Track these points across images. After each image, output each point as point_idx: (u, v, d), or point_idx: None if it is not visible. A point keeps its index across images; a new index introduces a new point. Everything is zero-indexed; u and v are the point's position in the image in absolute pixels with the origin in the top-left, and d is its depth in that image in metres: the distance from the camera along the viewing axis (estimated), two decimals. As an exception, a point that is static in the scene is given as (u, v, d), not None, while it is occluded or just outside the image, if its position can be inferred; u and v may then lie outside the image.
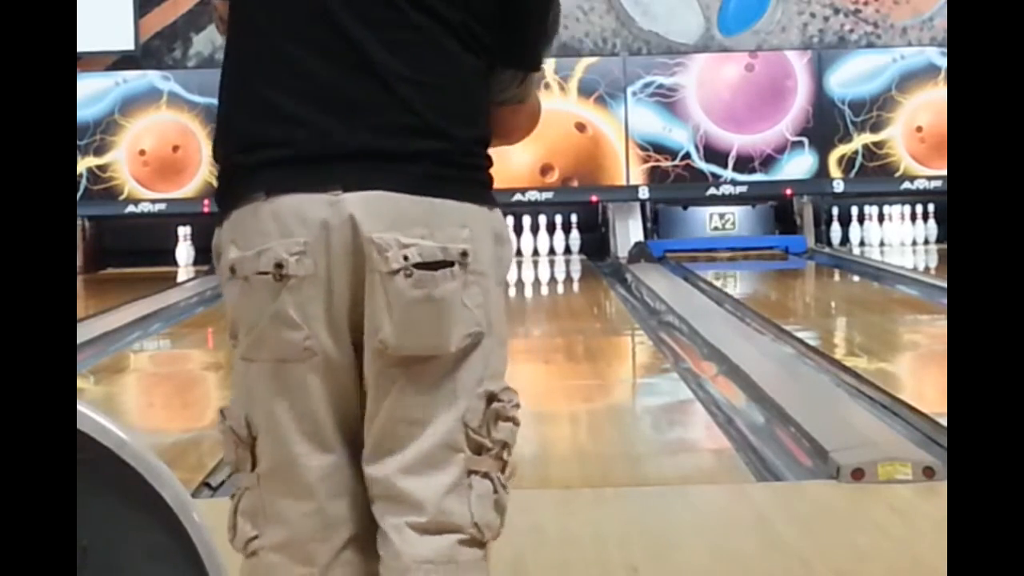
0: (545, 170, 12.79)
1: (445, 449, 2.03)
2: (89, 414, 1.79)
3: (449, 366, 2.02)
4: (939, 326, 7.79)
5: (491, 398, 2.05)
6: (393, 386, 2.02)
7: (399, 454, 2.03)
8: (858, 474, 4.14)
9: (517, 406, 2.08)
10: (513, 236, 12.63)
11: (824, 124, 12.92)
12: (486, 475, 2.05)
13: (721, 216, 13.16)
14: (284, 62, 2.05)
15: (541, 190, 12.75)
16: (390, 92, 2.02)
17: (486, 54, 2.09)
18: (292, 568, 2.07)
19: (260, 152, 2.04)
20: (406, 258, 1.98)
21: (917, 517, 3.80)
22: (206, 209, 12.83)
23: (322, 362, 2.03)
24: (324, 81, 2.03)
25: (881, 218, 13.20)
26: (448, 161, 2.04)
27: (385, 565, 2.04)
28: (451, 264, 2.00)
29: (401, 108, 2.02)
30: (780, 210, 13.27)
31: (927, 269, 11.63)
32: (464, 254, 2.01)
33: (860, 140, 12.95)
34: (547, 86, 12.71)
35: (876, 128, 12.96)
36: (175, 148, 12.96)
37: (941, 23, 13.30)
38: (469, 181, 2.06)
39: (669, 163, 12.89)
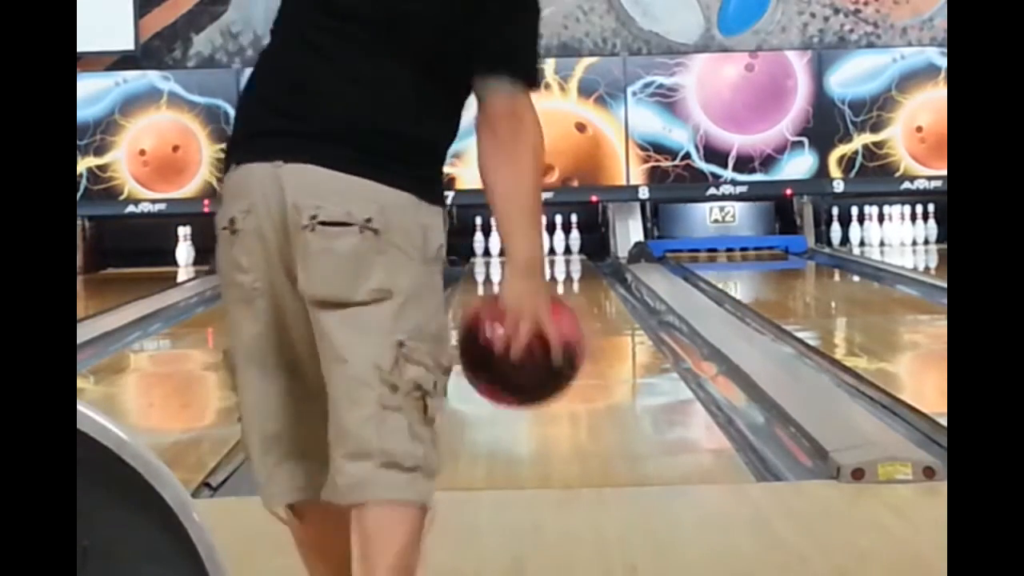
0: (545, 170, 12.78)
1: (361, 386, 2.34)
2: (89, 414, 1.79)
3: (361, 314, 2.35)
4: (939, 326, 7.79)
5: (400, 345, 2.35)
6: (319, 327, 2.38)
7: (331, 388, 2.38)
8: (858, 474, 4.14)
9: (434, 356, 2.38)
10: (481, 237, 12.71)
11: (824, 124, 12.92)
12: (398, 409, 2.34)
13: (721, 209, 13.17)
14: (276, 62, 2.52)
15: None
16: (338, 90, 2.42)
17: (445, 62, 2.43)
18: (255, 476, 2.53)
19: (240, 131, 2.53)
20: (313, 216, 2.35)
21: (917, 517, 3.80)
22: (206, 209, 12.82)
23: (268, 301, 2.42)
24: (294, 77, 2.45)
25: (881, 218, 13.20)
26: (372, 150, 2.38)
27: (326, 489, 2.40)
28: (351, 226, 2.34)
29: (344, 103, 2.41)
30: (780, 210, 13.27)
31: (927, 269, 11.63)
32: (368, 220, 2.34)
33: (860, 140, 12.95)
34: (547, 86, 12.71)
35: (876, 128, 12.96)
36: (175, 148, 12.96)
37: (941, 23, 13.30)
38: (392, 171, 2.38)
39: (669, 163, 12.89)
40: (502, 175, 2.46)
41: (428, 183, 2.44)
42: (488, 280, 12.16)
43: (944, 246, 12.74)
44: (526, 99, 2.45)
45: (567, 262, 12.54)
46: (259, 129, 2.46)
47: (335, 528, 2.45)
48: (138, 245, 12.98)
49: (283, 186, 2.38)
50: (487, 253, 12.93)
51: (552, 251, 12.91)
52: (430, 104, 2.44)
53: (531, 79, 2.45)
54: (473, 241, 12.94)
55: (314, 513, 2.52)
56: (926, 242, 13.12)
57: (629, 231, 12.78)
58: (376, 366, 2.34)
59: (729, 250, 12.95)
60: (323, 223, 2.35)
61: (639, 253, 12.27)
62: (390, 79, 2.41)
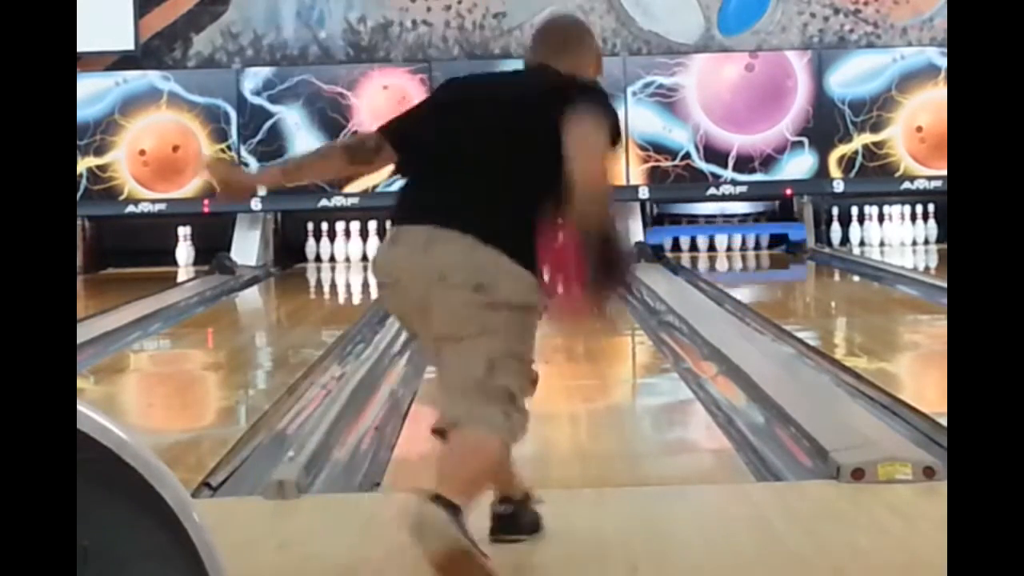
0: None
1: (466, 383, 3.41)
2: (89, 414, 1.79)
3: (465, 343, 3.40)
4: (939, 326, 7.79)
5: (491, 362, 3.40)
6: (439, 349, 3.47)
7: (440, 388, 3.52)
8: (858, 474, 4.14)
9: (521, 374, 3.53)
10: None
11: (824, 124, 12.93)
12: (493, 401, 3.40)
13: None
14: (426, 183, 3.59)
15: (541, 190, 12.74)
16: (468, 208, 3.43)
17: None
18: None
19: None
20: (444, 278, 3.38)
21: (917, 517, 3.80)
22: (206, 209, 12.84)
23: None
24: (437, 198, 3.50)
25: (881, 218, 13.20)
26: (490, 239, 3.39)
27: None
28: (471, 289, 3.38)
29: (471, 214, 3.41)
30: (780, 210, 13.28)
31: (927, 269, 11.63)
32: (479, 285, 3.38)
33: (860, 140, 12.95)
34: (547, 86, 12.70)
35: (876, 128, 12.96)
36: (175, 148, 12.96)
37: (941, 23, 13.30)
38: (505, 251, 3.39)
39: (669, 163, 12.89)
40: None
41: (531, 265, 3.43)
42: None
43: (944, 246, 12.74)
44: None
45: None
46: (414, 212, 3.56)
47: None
48: (138, 245, 12.98)
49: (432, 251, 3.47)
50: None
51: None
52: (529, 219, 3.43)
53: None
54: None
55: None
56: (926, 242, 13.12)
57: (629, 231, 12.78)
58: (473, 376, 3.41)
59: (728, 235, 13.00)
60: (451, 286, 3.39)
61: (639, 253, 12.27)
62: (503, 204, 3.48)
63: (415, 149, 3.63)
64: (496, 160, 3.47)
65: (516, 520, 3.69)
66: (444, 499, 3.19)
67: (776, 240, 13.13)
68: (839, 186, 12.95)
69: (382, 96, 12.90)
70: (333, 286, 12.29)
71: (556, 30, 3.87)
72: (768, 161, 12.92)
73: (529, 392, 3.56)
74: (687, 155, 12.91)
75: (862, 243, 13.15)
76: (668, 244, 12.96)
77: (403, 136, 3.68)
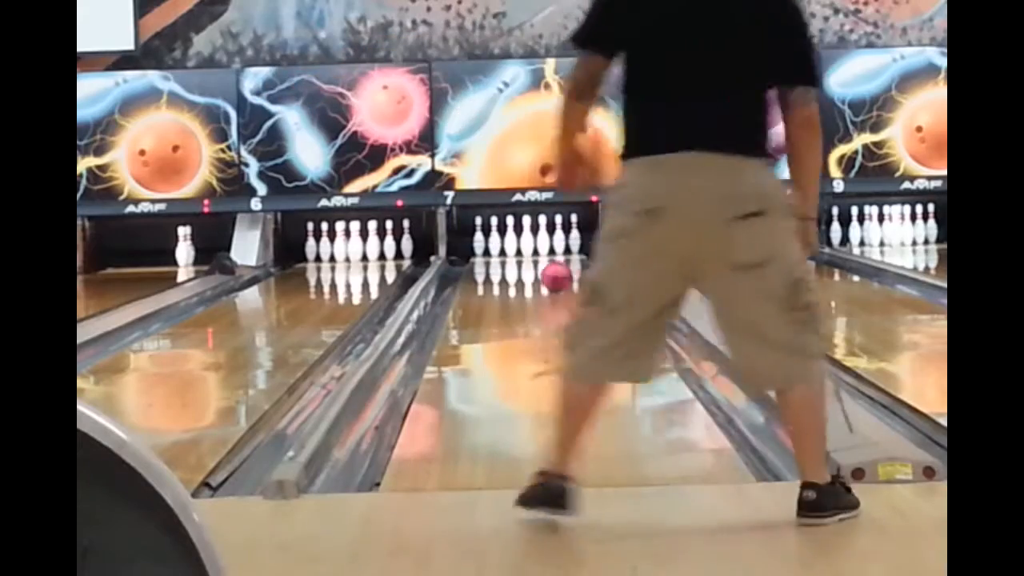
0: (545, 170, 12.77)
1: (770, 313, 3.63)
2: (89, 414, 1.78)
3: (768, 267, 3.64)
4: (939, 326, 7.79)
5: (794, 281, 3.62)
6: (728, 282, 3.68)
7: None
8: (858, 474, 4.14)
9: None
10: (529, 236, 12.74)
11: (824, 124, 12.79)
12: (794, 320, 3.60)
13: None
14: None
15: (541, 190, 12.74)
16: (718, 122, 3.65)
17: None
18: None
19: None
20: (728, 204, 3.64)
21: (917, 517, 3.80)
22: (206, 209, 12.84)
23: None
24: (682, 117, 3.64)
25: (881, 218, 13.20)
26: (748, 151, 3.68)
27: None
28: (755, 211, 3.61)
29: (724, 129, 3.62)
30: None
31: (927, 269, 11.63)
32: (761, 206, 3.63)
33: (860, 140, 12.95)
34: (547, 86, 12.71)
35: (876, 128, 12.96)
36: (175, 148, 12.95)
37: (941, 23, 13.29)
38: (760, 158, 3.73)
39: (669, 163, 12.87)
40: (812, 156, 3.83)
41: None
42: (488, 280, 12.16)
43: (944, 246, 12.73)
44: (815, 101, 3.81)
45: (567, 262, 12.53)
46: None
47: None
48: (138, 245, 12.98)
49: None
50: (487, 253, 12.93)
51: (552, 251, 12.92)
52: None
53: (819, 85, 3.86)
54: (473, 241, 12.95)
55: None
56: (926, 242, 13.12)
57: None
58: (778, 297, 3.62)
59: None
60: None
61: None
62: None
63: (636, 61, 3.69)
64: (727, 64, 3.63)
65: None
66: (819, 486, 3.61)
67: None
68: (839, 186, 12.94)
69: (382, 96, 12.91)
70: (333, 286, 12.29)
71: None
72: (768, 161, 12.90)
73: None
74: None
75: (862, 243, 13.14)
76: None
77: (619, 43, 3.71)
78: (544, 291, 10.73)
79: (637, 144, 3.67)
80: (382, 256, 13.00)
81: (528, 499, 3.73)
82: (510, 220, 13.01)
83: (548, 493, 3.72)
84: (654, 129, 3.64)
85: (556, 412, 3.79)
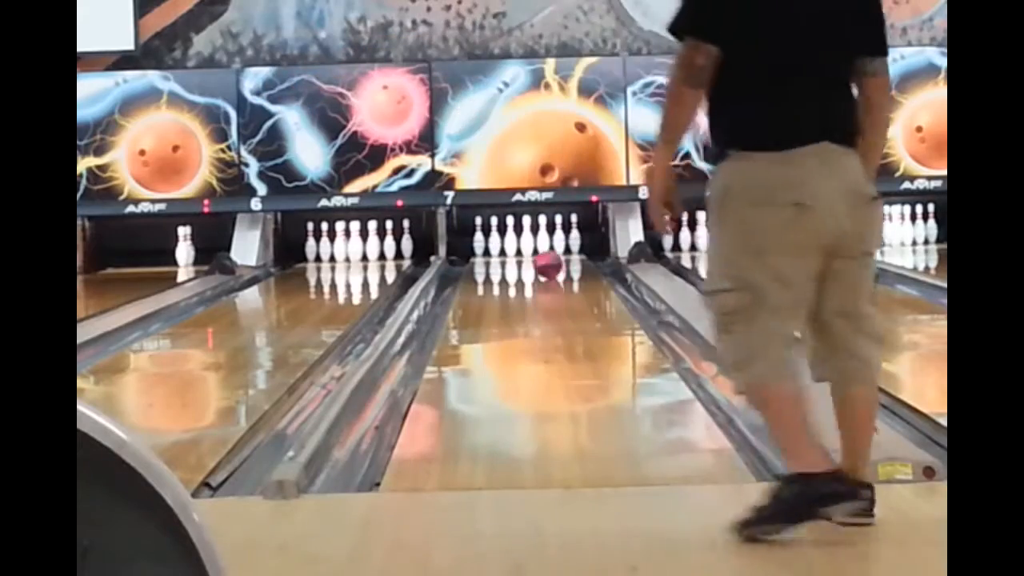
0: (545, 170, 12.79)
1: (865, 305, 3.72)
2: (89, 414, 1.78)
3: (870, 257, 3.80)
4: (939, 326, 7.79)
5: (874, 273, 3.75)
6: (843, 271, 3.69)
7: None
8: (858, 474, 4.13)
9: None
10: (529, 236, 12.75)
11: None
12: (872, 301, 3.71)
13: None
14: None
15: (541, 190, 12.75)
16: (836, 115, 3.70)
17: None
18: None
19: None
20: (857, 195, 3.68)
21: (917, 517, 3.80)
22: (206, 209, 12.84)
23: None
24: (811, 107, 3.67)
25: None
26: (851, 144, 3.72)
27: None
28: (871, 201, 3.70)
29: (839, 122, 3.70)
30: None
31: (927, 269, 11.63)
32: (873, 196, 3.72)
33: (860, 140, 12.94)
34: (547, 86, 12.71)
35: (876, 128, 12.95)
36: (175, 148, 12.95)
37: (941, 23, 13.30)
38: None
39: (669, 163, 12.87)
40: (882, 127, 3.85)
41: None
42: (488, 280, 12.17)
43: (944, 246, 12.73)
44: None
45: (567, 262, 12.54)
46: None
47: None
48: (138, 245, 12.98)
49: None
50: (487, 253, 12.94)
51: (552, 251, 12.92)
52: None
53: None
54: (473, 241, 12.95)
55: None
56: (926, 242, 13.12)
57: (629, 231, 12.78)
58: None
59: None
60: None
61: (639, 253, 12.28)
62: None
63: (751, 54, 3.65)
64: (834, 60, 3.69)
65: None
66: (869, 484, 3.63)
67: None
68: (839, 186, 12.93)
69: (382, 96, 12.91)
70: (333, 286, 12.29)
71: None
72: (768, 161, 12.90)
73: None
74: (687, 155, 12.89)
75: (862, 243, 13.13)
76: (668, 244, 12.96)
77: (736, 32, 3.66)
78: (540, 277, 10.85)
79: (765, 135, 3.61)
80: (382, 256, 13.00)
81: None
82: (510, 220, 13.01)
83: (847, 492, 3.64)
84: (782, 119, 3.62)
85: (781, 420, 3.67)
